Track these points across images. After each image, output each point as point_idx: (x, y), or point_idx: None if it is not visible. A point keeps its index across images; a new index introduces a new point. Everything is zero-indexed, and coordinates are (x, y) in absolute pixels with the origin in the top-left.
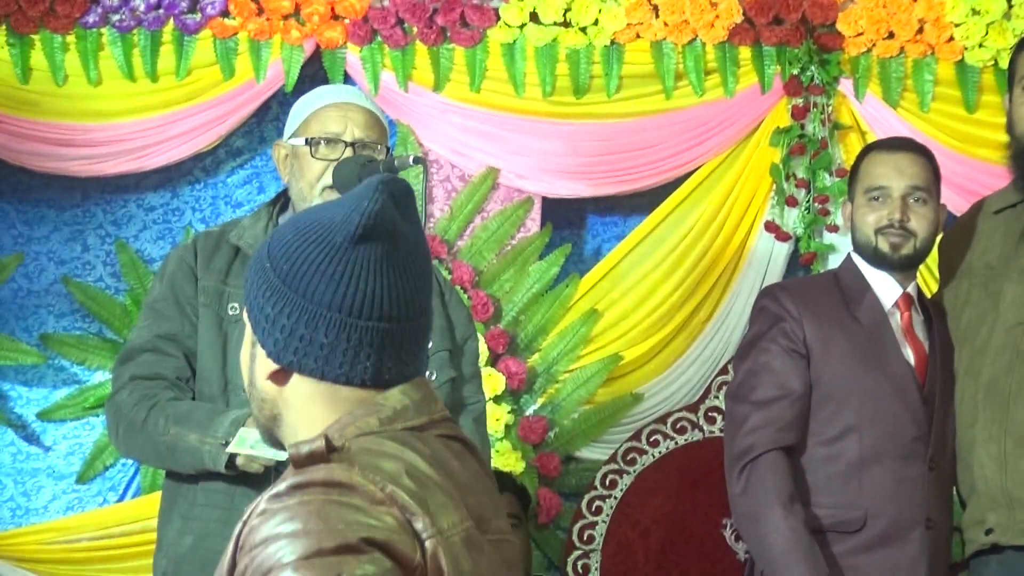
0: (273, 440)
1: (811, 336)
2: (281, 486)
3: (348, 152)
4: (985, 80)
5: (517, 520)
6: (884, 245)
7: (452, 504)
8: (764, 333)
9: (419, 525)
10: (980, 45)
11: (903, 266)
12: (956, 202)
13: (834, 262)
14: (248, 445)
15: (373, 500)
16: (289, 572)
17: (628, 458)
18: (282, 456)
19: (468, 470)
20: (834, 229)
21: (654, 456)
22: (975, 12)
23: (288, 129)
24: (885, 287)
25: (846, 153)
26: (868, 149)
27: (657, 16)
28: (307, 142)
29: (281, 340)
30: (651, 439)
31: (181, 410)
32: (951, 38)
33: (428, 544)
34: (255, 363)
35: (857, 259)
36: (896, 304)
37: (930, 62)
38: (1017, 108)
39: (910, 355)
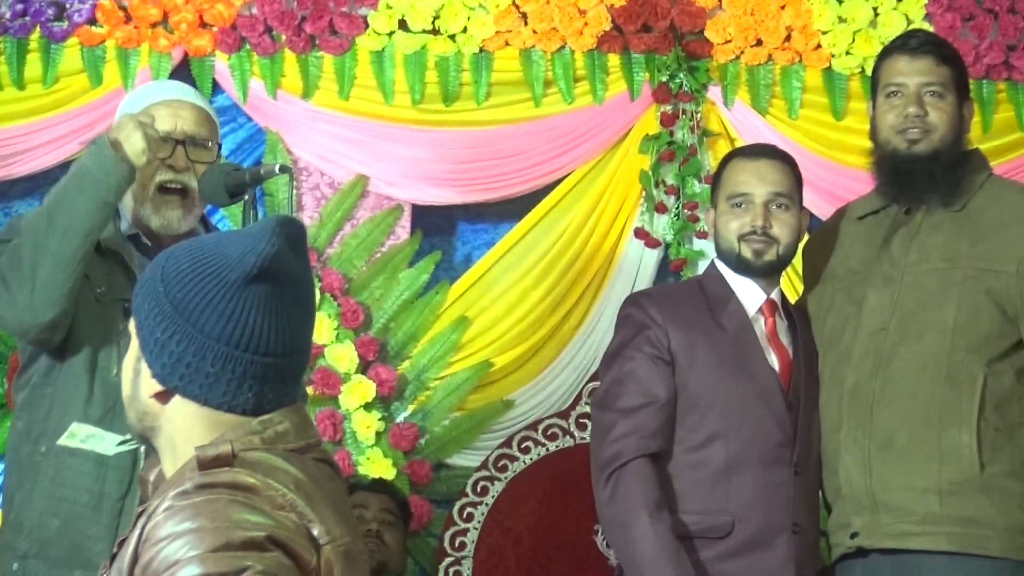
0: (149, 446)
1: (676, 343)
2: (187, 485)
3: (179, 150)
4: (852, 87)
5: (393, 517)
6: (747, 251)
7: (334, 518)
8: (629, 341)
9: (316, 531)
10: (847, 53)
11: (766, 272)
12: (824, 208)
13: (704, 268)
14: (79, 440)
15: (275, 504)
16: (195, 565)
17: (499, 465)
18: (111, 451)
19: (338, 492)
20: (704, 235)
21: (525, 463)
22: (842, 20)
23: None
24: (749, 293)
25: (715, 160)
26: (730, 156)
27: (526, 24)
28: None
29: (168, 365)
30: (522, 446)
31: None
32: (818, 46)
33: (325, 550)
34: (139, 378)
35: (721, 266)
36: (760, 310)
37: (798, 69)
38: (880, 115)
39: (774, 361)
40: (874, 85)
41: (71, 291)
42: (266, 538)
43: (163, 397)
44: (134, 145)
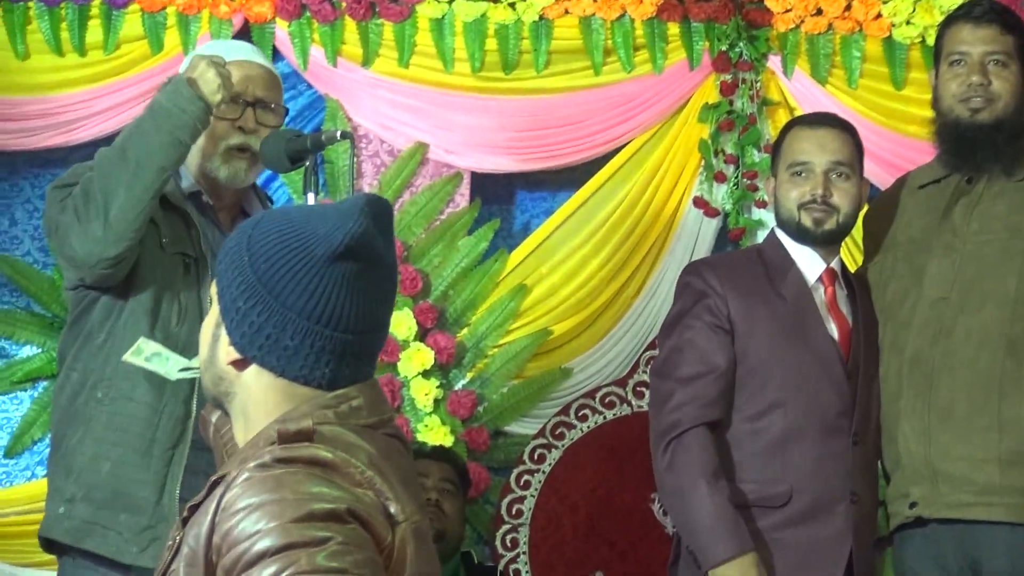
0: (222, 410)
1: (735, 312)
2: (266, 457)
3: (248, 112)
4: (912, 57)
5: (453, 486)
6: (807, 220)
7: (406, 495)
8: (688, 309)
9: (393, 509)
10: (908, 22)
11: (826, 241)
12: (883, 178)
13: (763, 237)
14: (144, 357)
15: (353, 481)
16: (278, 535)
17: (557, 432)
18: (173, 376)
19: (407, 468)
20: (763, 205)
21: (583, 431)
22: None
23: None
24: (809, 262)
25: (775, 129)
26: (791, 125)
27: None
28: None
29: (248, 334)
30: (580, 414)
31: None
32: (879, 15)
33: (400, 528)
34: (218, 344)
35: (781, 234)
36: (820, 279)
37: (858, 39)
38: (943, 84)
39: (834, 330)
40: (937, 54)
41: (142, 226)
42: (346, 511)
43: (240, 365)
44: (209, 83)
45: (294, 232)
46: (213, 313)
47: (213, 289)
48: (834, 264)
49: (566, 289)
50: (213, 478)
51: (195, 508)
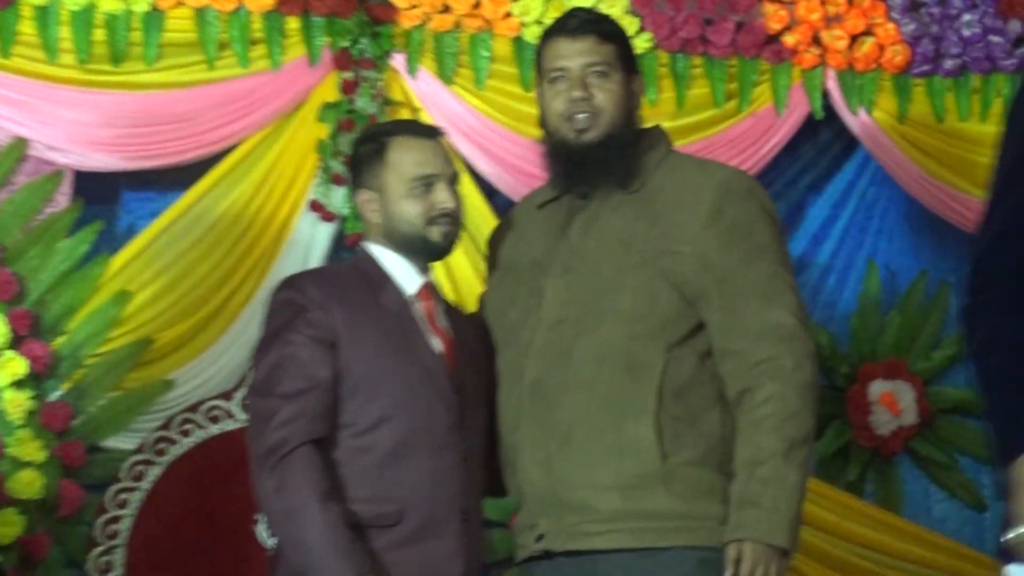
0: None
1: (339, 323)
2: None
3: None
4: None
5: None
6: (436, 234)
7: None
8: (288, 324)
9: None
10: (538, 22)
11: (440, 255)
12: (512, 184)
13: None
14: None
15: None
16: None
17: (157, 448)
18: None
19: None
20: None
21: (185, 446)
22: None
23: None
24: (405, 276)
25: None
26: (395, 131)
27: None
28: None
29: None
30: (182, 428)
31: None
32: (508, 14)
33: None
34: None
35: (374, 248)
36: (418, 294)
37: (486, 38)
38: (547, 103)
39: (437, 344)
40: (538, 72)
41: None
42: None
43: None
44: None
45: None
46: None
47: None
48: (431, 279)
49: (171, 296)
50: None
51: None
